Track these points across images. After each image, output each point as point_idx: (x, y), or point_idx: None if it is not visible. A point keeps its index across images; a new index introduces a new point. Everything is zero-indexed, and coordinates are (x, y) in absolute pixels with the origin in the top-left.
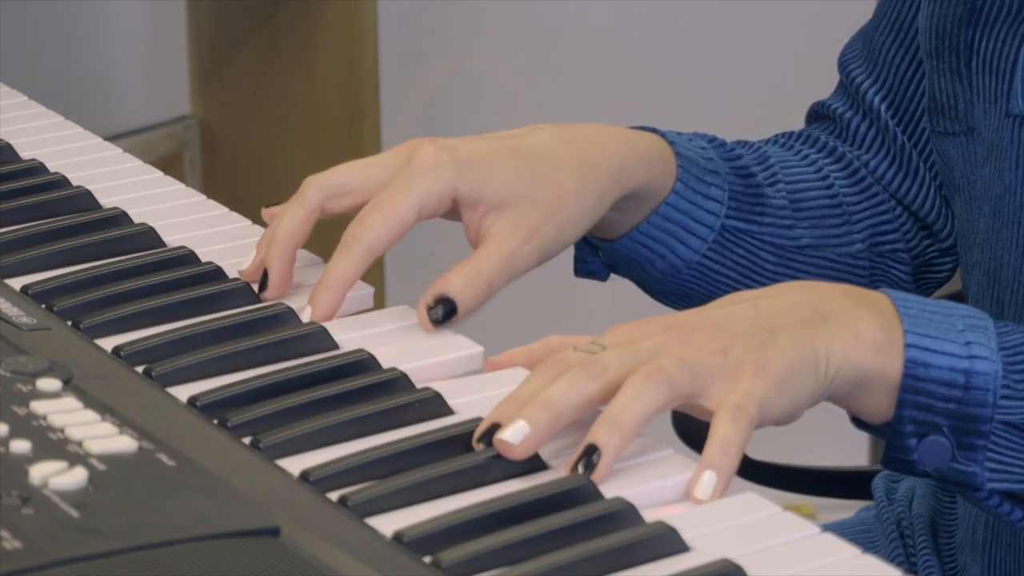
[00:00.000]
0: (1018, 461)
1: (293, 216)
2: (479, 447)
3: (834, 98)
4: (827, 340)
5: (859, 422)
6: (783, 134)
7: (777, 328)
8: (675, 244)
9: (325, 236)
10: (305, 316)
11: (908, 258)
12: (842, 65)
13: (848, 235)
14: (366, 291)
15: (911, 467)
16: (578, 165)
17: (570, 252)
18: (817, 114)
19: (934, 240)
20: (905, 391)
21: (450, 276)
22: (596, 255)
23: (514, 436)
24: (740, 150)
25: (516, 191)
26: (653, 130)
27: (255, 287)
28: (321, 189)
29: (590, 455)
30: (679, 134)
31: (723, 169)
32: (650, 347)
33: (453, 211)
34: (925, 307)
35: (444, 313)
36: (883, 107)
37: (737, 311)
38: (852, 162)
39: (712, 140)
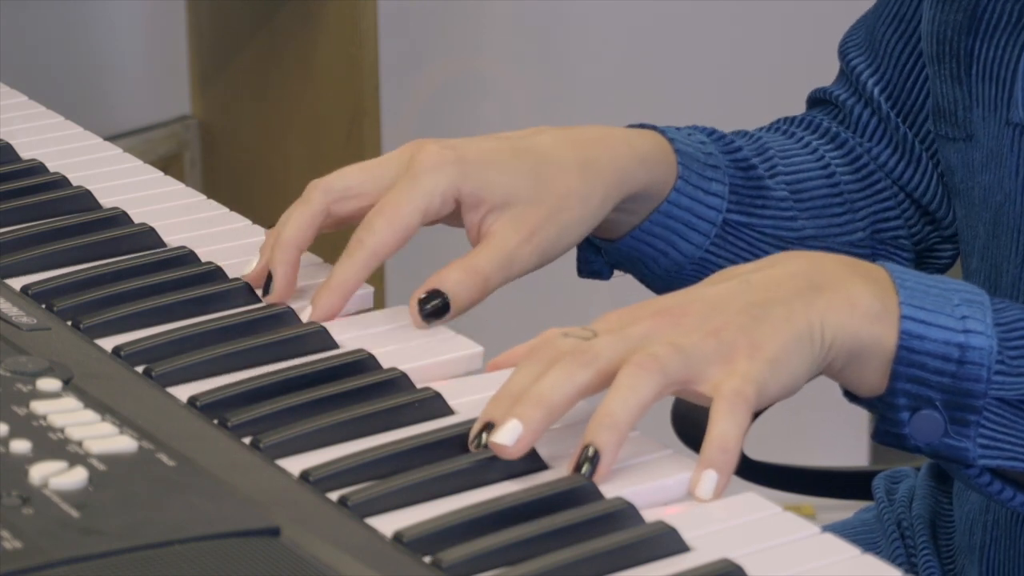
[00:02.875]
0: (1010, 437)
1: (298, 219)
2: (475, 448)
3: (835, 85)
4: (822, 309)
5: (851, 396)
6: (783, 119)
7: (770, 301)
8: (677, 240)
9: (328, 238)
10: (305, 315)
11: (910, 244)
12: (843, 52)
13: (850, 223)
14: (366, 291)
15: (903, 441)
16: (581, 167)
17: (571, 252)
18: (818, 100)
19: (936, 227)
20: (899, 363)
21: (446, 271)
22: (598, 255)
23: (508, 437)
24: (740, 141)
25: (519, 191)
26: (653, 127)
27: (259, 291)
28: (326, 192)
29: (590, 456)
30: (678, 129)
31: (723, 163)
32: (640, 332)
33: (455, 215)
34: (922, 281)
35: (436, 308)
36: (882, 98)
37: (729, 288)
38: (854, 148)
39: (712, 133)
